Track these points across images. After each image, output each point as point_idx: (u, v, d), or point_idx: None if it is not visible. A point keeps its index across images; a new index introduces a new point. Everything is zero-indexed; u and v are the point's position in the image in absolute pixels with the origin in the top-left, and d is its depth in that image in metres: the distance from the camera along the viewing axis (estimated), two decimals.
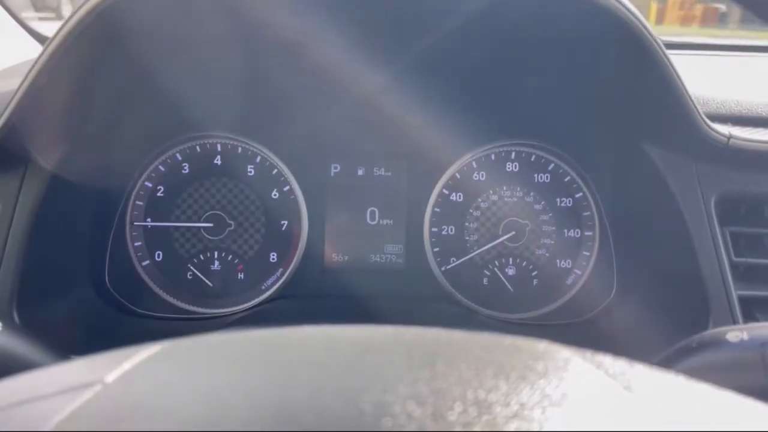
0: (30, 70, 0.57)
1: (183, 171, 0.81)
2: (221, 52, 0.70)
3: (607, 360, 0.33)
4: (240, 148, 0.81)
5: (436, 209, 0.82)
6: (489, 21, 0.62)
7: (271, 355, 0.31)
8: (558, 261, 0.82)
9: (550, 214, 0.82)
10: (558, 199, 0.82)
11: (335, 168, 0.83)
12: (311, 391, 0.27)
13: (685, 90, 0.59)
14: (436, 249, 0.82)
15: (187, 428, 0.25)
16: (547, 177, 0.82)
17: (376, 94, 0.76)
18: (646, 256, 0.74)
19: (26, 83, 0.58)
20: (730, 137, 0.62)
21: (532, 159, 0.82)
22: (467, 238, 0.82)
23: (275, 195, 0.82)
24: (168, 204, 0.80)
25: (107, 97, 0.69)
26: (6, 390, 0.32)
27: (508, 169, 0.82)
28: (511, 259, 0.82)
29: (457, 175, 0.83)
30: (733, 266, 0.65)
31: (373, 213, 0.84)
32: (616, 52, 0.60)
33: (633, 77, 0.61)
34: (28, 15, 1.28)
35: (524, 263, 0.82)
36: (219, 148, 0.81)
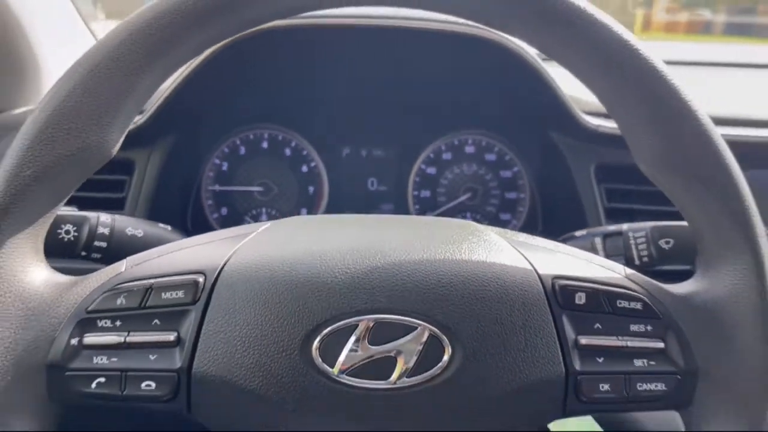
0: (177, 77, 0.86)
1: (240, 152, 1.06)
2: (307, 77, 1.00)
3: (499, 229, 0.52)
4: (280, 136, 1.06)
5: (416, 179, 1.07)
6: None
7: (349, 224, 0.51)
8: (501, 214, 1.07)
9: (496, 182, 1.07)
10: (501, 172, 1.07)
11: (347, 150, 1.08)
12: (355, 236, 0.48)
13: (564, 96, 0.88)
14: (416, 206, 1.07)
15: (308, 247, 0.45)
16: (494, 156, 1.07)
17: (375, 102, 1.05)
18: (556, 209, 1.02)
19: (174, 85, 0.86)
20: (598, 126, 0.89)
21: (483, 144, 1.07)
22: (438, 198, 1.07)
23: (305, 169, 1.06)
24: (230, 175, 1.05)
25: (219, 97, 0.98)
26: (191, 240, 0.49)
27: (466, 151, 1.07)
28: (468, 213, 1.07)
29: (431, 155, 1.07)
30: (606, 210, 0.89)
31: (372, 182, 1.07)
32: (514, 78, 0.90)
33: (529, 94, 0.91)
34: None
35: (478, 216, 1.07)
36: (266, 136, 1.06)
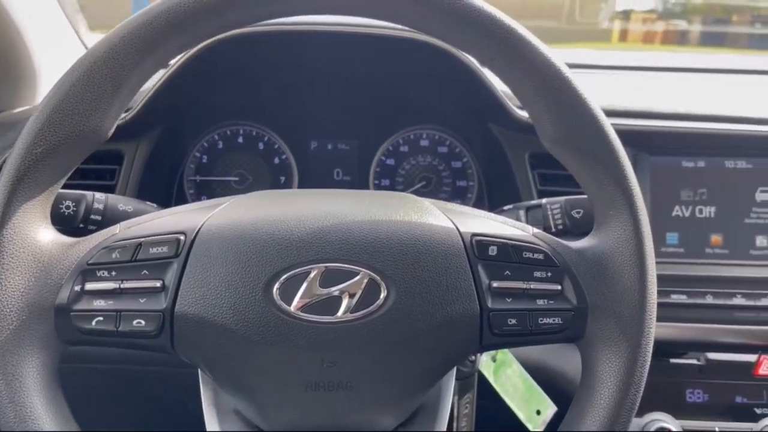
0: (161, 77, 0.92)
1: (218, 146, 1.11)
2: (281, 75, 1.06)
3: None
4: (255, 132, 1.11)
5: (377, 169, 1.10)
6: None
7: (306, 196, 0.59)
8: (452, 201, 1.12)
9: (448, 172, 1.10)
10: (452, 162, 1.10)
11: (314, 144, 1.12)
12: (308, 203, 0.56)
13: (500, 93, 0.96)
14: None
15: (270, 212, 0.53)
16: (446, 148, 1.10)
17: (340, 101, 1.12)
18: (499, 193, 1.09)
19: (158, 85, 0.91)
20: (528, 118, 0.99)
21: (436, 137, 1.13)
22: (397, 187, 1.11)
23: (277, 161, 1.09)
24: (210, 166, 1.11)
25: (199, 96, 1.05)
26: (172, 209, 0.56)
27: (421, 144, 1.10)
28: None
29: (390, 148, 1.10)
30: (539, 191, 0.93)
31: (338, 172, 1.11)
32: (458, 79, 0.98)
33: (471, 92, 0.97)
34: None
35: None
36: (241, 131, 1.11)
